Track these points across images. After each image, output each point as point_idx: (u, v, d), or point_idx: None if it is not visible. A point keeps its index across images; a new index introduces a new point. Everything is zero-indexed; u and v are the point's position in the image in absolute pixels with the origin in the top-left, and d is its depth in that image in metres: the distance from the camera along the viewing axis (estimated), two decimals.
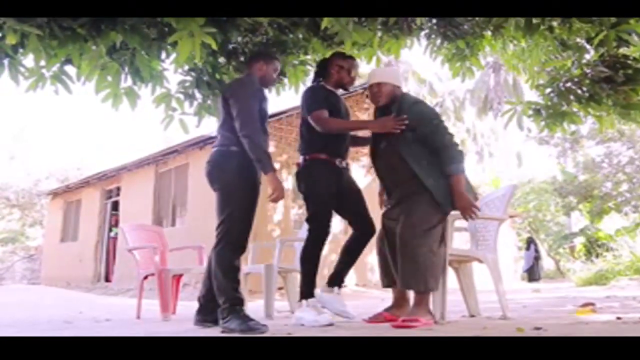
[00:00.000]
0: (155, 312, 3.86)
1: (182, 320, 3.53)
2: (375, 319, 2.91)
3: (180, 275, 4.46)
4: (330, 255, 9.79)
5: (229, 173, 2.80)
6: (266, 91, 3.10)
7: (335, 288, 3.08)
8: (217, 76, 3.58)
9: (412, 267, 2.67)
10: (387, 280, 3.00)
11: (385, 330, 2.51)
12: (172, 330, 2.83)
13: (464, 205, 2.73)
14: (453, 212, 2.82)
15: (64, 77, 3.16)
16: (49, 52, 2.92)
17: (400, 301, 2.97)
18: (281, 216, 9.65)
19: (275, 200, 2.80)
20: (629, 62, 3.52)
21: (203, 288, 3.05)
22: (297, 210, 10.06)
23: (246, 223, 2.83)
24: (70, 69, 3.19)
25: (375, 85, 3.02)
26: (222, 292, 2.76)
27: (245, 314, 2.72)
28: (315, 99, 3.00)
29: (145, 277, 4.09)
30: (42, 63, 3.04)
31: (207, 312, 2.99)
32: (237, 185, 2.79)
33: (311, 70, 3.84)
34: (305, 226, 3.85)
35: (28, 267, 18.34)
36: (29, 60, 3.05)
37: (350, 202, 3.11)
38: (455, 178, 2.76)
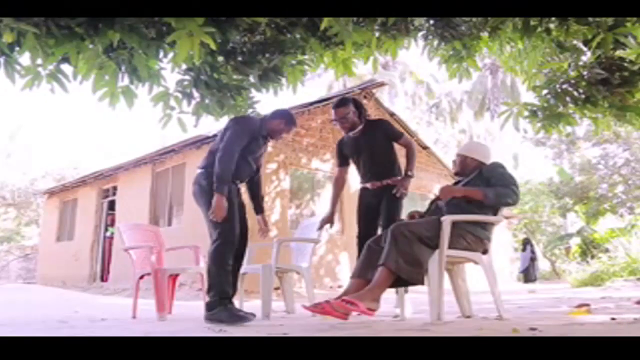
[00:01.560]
0: (151, 311, 3.85)
1: (179, 320, 3.53)
2: (315, 307, 2.71)
3: (177, 275, 4.45)
4: (326, 255, 9.81)
5: (208, 191, 3.15)
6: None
7: None
8: (216, 76, 3.58)
9: (390, 247, 2.73)
10: (360, 273, 2.96)
11: (384, 330, 2.52)
12: (168, 330, 2.82)
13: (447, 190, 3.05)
14: (448, 217, 2.85)
15: (60, 76, 3.15)
16: (45, 51, 2.91)
17: (349, 292, 2.84)
18: (278, 216, 9.66)
19: (215, 218, 3.09)
20: (625, 64, 3.53)
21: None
22: (295, 210, 10.07)
23: (231, 224, 3.14)
24: (66, 68, 3.18)
25: (462, 157, 3.20)
26: (213, 286, 3.05)
27: (233, 306, 3.00)
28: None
29: (142, 277, 4.08)
30: (39, 61, 3.03)
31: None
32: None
33: (309, 70, 3.85)
34: (304, 226, 4.01)
35: (24, 267, 18.28)
36: (25, 59, 3.05)
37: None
38: (480, 193, 2.93)
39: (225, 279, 3.07)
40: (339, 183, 3.88)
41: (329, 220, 3.82)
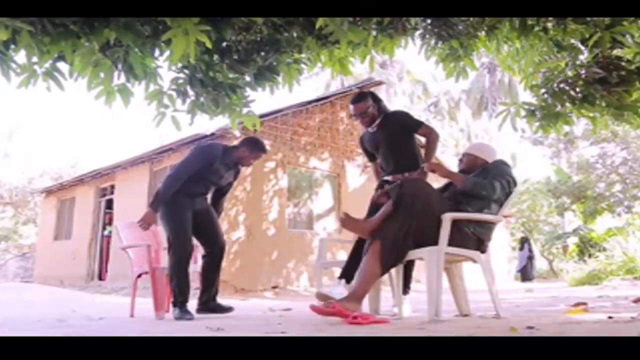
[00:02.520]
0: (149, 310, 3.85)
1: (174, 321, 3.52)
2: (325, 307, 2.74)
3: None
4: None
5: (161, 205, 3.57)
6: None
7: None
8: (211, 74, 3.56)
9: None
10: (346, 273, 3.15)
11: (382, 329, 2.51)
12: (166, 330, 2.82)
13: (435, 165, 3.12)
14: (448, 215, 2.85)
15: (56, 74, 3.14)
16: (41, 49, 2.89)
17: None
18: (276, 215, 9.66)
19: (142, 226, 3.55)
20: (623, 63, 3.53)
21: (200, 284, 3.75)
22: (292, 209, 10.07)
23: (180, 237, 3.51)
24: (62, 66, 3.16)
25: (473, 156, 3.23)
26: (172, 290, 3.57)
27: (184, 307, 3.49)
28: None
29: (139, 275, 4.07)
30: (34, 59, 3.02)
31: (201, 303, 3.69)
32: (165, 215, 3.56)
33: (305, 69, 3.84)
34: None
35: (21, 266, 18.26)
36: (20, 57, 3.03)
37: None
38: (460, 177, 3.00)
39: (178, 284, 3.48)
40: (379, 174, 3.76)
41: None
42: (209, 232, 3.70)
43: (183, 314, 3.43)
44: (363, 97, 3.53)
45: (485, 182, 2.94)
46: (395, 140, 3.53)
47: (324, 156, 10.75)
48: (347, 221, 3.01)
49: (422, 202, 2.81)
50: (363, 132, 3.77)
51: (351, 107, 3.56)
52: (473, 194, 2.95)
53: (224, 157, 3.67)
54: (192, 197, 3.62)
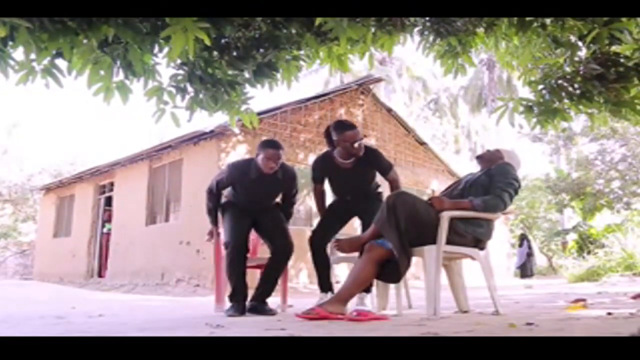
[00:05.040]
0: (146, 309, 3.85)
1: (178, 319, 3.52)
2: (307, 313, 2.79)
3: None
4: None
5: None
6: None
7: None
8: (210, 70, 3.56)
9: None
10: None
11: (381, 326, 2.52)
12: (165, 327, 2.82)
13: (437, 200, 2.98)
14: (446, 213, 2.87)
15: (54, 71, 3.13)
16: (39, 45, 2.89)
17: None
18: None
19: (208, 239, 3.94)
20: (621, 60, 3.53)
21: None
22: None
23: (230, 235, 3.61)
24: (61, 63, 3.16)
25: (498, 152, 3.28)
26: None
27: (237, 303, 3.50)
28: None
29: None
30: (33, 56, 3.01)
31: (250, 300, 3.61)
32: (222, 222, 3.80)
33: (304, 66, 3.83)
34: None
35: (20, 263, 18.25)
36: (19, 54, 3.03)
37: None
38: (468, 204, 2.93)
39: (231, 281, 3.53)
40: (322, 194, 3.82)
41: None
42: (270, 234, 3.74)
43: (229, 310, 3.49)
44: (357, 127, 3.54)
45: (495, 200, 2.92)
46: (364, 178, 3.59)
47: None
48: (342, 243, 3.10)
49: (410, 208, 2.83)
50: (319, 156, 3.71)
51: (351, 132, 3.40)
52: (486, 212, 2.95)
53: (250, 171, 3.63)
54: (245, 207, 3.71)
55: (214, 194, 3.73)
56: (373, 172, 3.60)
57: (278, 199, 3.90)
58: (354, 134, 3.38)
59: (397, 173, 3.62)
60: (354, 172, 3.52)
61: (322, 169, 3.65)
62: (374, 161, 3.55)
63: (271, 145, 3.55)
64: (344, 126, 3.45)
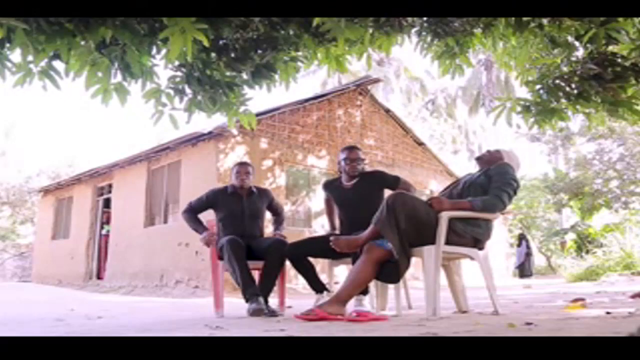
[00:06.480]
0: (145, 311, 3.85)
1: (178, 319, 3.52)
2: (307, 314, 2.81)
3: None
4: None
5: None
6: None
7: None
8: (208, 72, 3.56)
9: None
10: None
11: (380, 327, 2.52)
12: (163, 329, 2.82)
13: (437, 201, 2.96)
14: (445, 213, 2.87)
15: (52, 73, 3.12)
16: (36, 47, 2.88)
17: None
18: None
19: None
20: (618, 59, 3.54)
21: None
22: (290, 206, 10.06)
23: (228, 238, 3.68)
24: (58, 65, 3.15)
25: (497, 152, 3.30)
26: None
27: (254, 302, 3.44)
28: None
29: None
30: (30, 58, 3.00)
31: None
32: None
33: (302, 67, 3.84)
34: None
35: (19, 265, 18.23)
36: (16, 55, 3.02)
37: None
38: (467, 205, 2.93)
39: (237, 279, 3.52)
40: (332, 204, 3.88)
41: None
42: (263, 246, 3.77)
43: (250, 307, 3.39)
44: (357, 148, 3.72)
45: (493, 200, 2.94)
46: (368, 199, 3.56)
47: (321, 154, 10.75)
48: (340, 243, 3.09)
49: (409, 208, 2.84)
50: (332, 181, 3.87)
51: (346, 152, 3.65)
52: (484, 212, 2.96)
53: (227, 189, 4.01)
54: (231, 229, 3.85)
55: (191, 211, 3.97)
56: (378, 194, 3.57)
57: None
58: (348, 151, 3.65)
59: (407, 181, 3.65)
60: (355, 191, 3.62)
61: (328, 186, 3.88)
62: (378, 179, 3.66)
63: (240, 163, 4.07)
64: (344, 147, 3.76)
